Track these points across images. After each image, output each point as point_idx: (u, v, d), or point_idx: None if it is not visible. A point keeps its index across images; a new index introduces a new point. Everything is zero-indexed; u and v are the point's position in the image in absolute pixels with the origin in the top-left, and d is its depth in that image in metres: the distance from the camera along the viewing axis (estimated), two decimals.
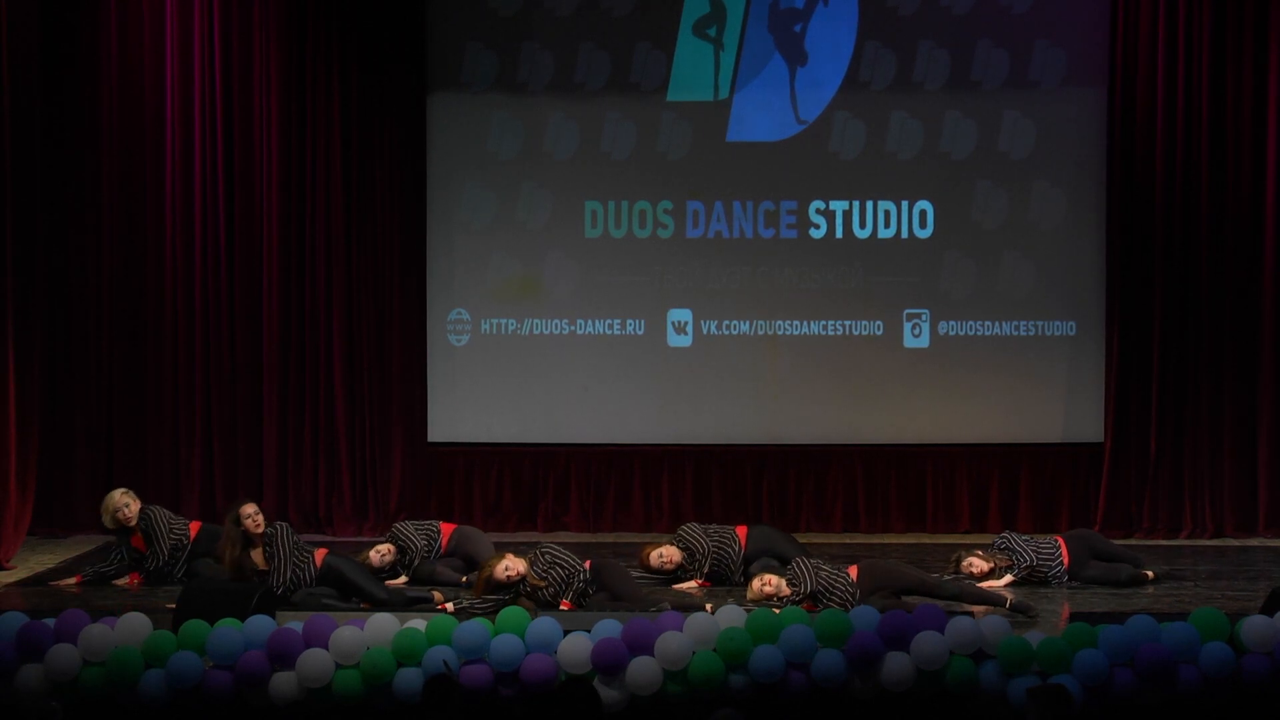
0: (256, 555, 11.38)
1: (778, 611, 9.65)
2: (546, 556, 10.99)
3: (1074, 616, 10.21)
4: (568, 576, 10.88)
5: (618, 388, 14.74)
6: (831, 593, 10.76)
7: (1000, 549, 11.98)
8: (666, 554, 12.05)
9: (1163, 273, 14.28)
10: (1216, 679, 9.18)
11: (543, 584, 10.87)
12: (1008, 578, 11.83)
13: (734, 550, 12.03)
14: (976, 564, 11.86)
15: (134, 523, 12.28)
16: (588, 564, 11.07)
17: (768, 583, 10.96)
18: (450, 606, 10.82)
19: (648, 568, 12.04)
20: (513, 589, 10.80)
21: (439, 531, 12.35)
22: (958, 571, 11.87)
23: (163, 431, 14.45)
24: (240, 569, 11.40)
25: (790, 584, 10.89)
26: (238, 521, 11.42)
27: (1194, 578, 12.30)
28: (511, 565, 10.83)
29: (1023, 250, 14.59)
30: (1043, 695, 7.78)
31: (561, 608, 10.81)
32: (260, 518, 11.53)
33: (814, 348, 14.70)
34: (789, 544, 12.12)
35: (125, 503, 12.31)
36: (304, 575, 11.12)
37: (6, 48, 13.09)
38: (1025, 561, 11.87)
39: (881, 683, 9.24)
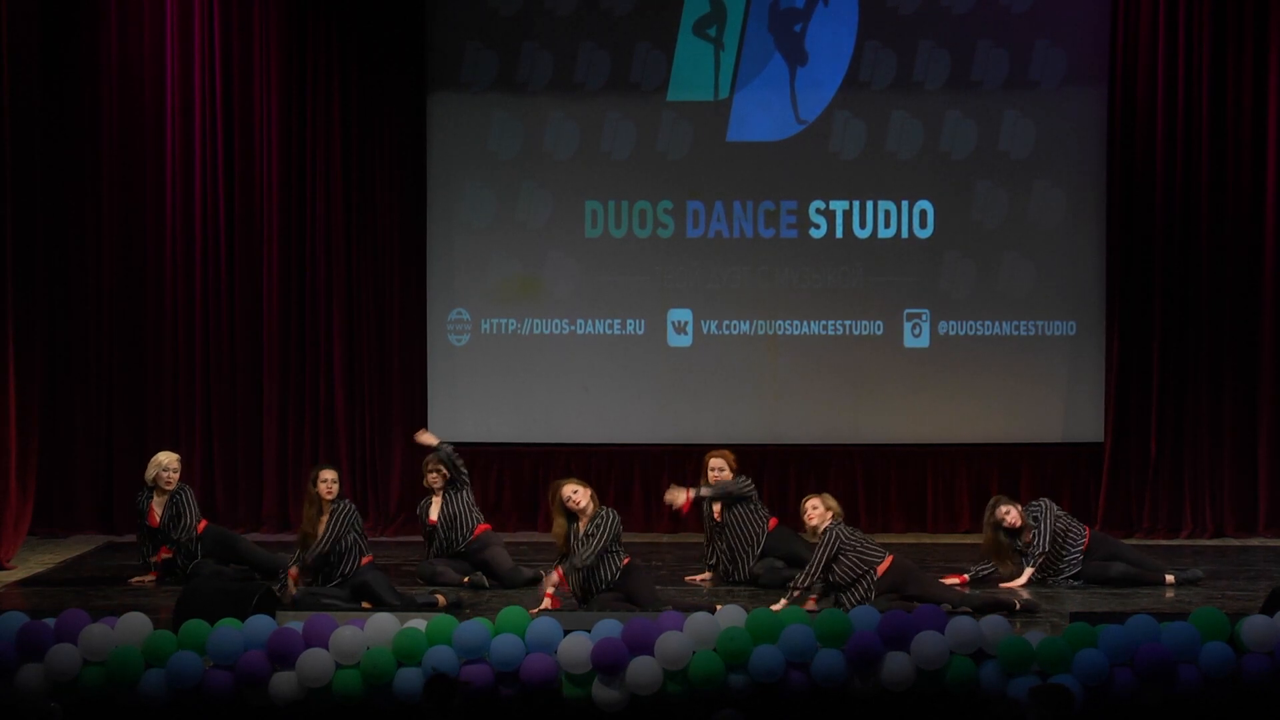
0: (322, 522, 11.31)
1: (777, 609, 9.64)
2: (601, 522, 10.99)
3: (1074, 616, 10.20)
4: (599, 549, 10.95)
5: (618, 388, 14.75)
6: (855, 587, 10.87)
7: (1033, 516, 12.00)
8: (720, 478, 12.18)
9: (1163, 273, 14.28)
10: (1216, 679, 9.17)
11: (579, 539, 10.94)
12: (1027, 570, 11.87)
13: (760, 532, 12.10)
14: (1012, 515, 11.91)
15: (170, 488, 12.28)
16: (625, 560, 11.10)
17: (816, 506, 11.10)
18: (552, 593, 10.93)
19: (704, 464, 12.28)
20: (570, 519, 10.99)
21: (472, 530, 12.36)
22: (993, 515, 11.90)
23: (163, 431, 14.45)
24: (304, 536, 11.31)
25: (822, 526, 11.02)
26: (314, 483, 11.38)
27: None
28: (580, 495, 11.01)
29: (1023, 250, 14.59)
30: (1044, 695, 7.78)
31: (544, 596, 10.92)
32: (335, 486, 11.39)
33: (814, 348, 14.70)
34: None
35: (174, 468, 12.36)
36: (345, 568, 11.20)
37: (6, 48, 13.09)
38: (1041, 549, 11.89)
39: (881, 683, 9.24)
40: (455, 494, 12.42)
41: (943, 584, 11.51)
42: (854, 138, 14.62)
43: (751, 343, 14.73)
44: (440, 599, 11.36)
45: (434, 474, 12.44)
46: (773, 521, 12.29)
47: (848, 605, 10.84)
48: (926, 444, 14.65)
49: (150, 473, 12.37)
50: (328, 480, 11.37)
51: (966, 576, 11.98)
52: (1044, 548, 11.94)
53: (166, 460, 12.40)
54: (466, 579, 12.05)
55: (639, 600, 10.88)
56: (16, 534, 13.32)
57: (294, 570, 11.22)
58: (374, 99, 14.53)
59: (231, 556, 12.42)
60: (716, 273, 14.72)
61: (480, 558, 12.23)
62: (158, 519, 12.30)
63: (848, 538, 11.06)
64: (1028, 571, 11.91)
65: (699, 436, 14.59)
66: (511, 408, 14.76)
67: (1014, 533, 11.97)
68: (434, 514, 12.39)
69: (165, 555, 12.30)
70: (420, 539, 12.80)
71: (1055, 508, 12.14)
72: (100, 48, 14.40)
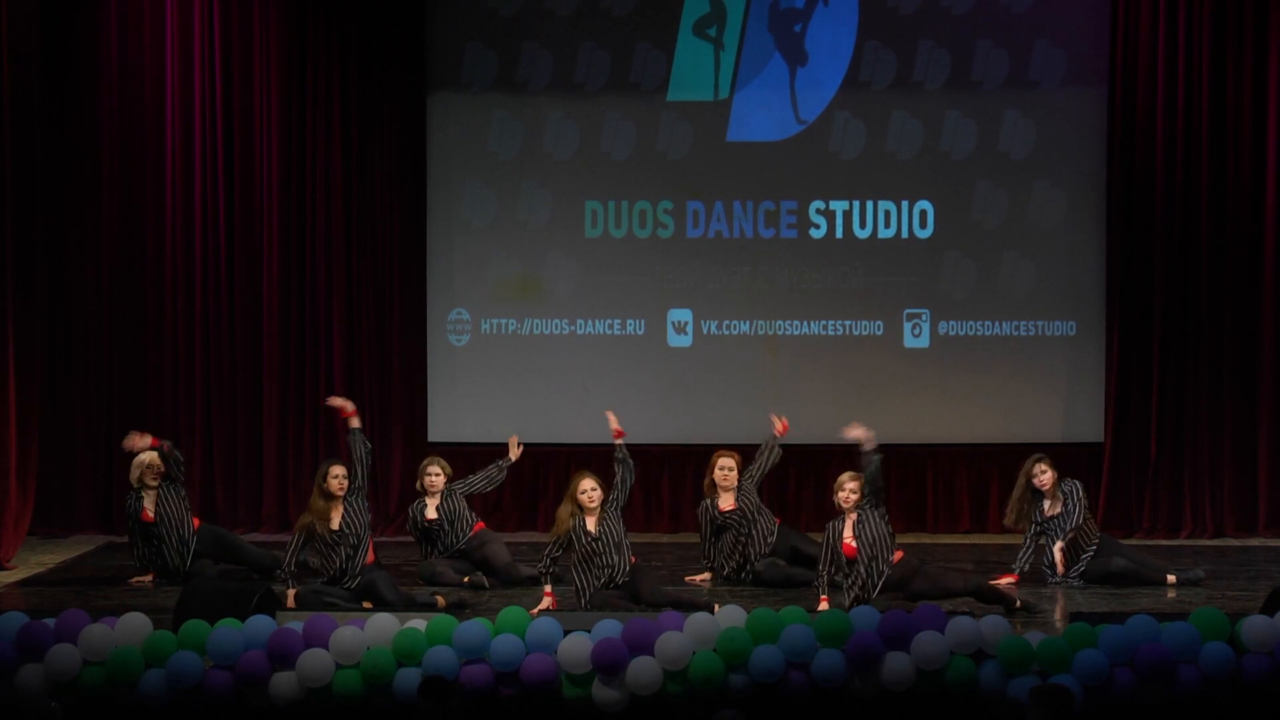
0: (335, 514, 11.33)
1: (776, 612, 9.64)
2: (611, 522, 11.09)
3: (1074, 616, 10.20)
4: (611, 550, 11.03)
5: (618, 388, 14.74)
6: (871, 561, 10.93)
7: (1064, 490, 12.05)
8: (730, 477, 12.21)
9: (1163, 273, 14.29)
10: (1216, 679, 9.18)
11: (594, 532, 11.01)
12: (1059, 544, 11.92)
13: (771, 531, 12.20)
14: (1047, 476, 12.02)
15: (157, 484, 12.30)
16: (633, 559, 11.19)
17: (855, 490, 11.10)
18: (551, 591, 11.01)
19: (712, 468, 12.28)
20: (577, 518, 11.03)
21: (471, 527, 12.42)
22: (1031, 468, 12.00)
23: (163, 432, 14.35)
24: (309, 526, 11.31)
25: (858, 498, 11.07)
26: (324, 479, 11.38)
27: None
28: (597, 494, 11.10)
29: (1023, 250, 14.60)
30: (1044, 695, 7.78)
31: (545, 595, 10.97)
32: (347, 482, 11.38)
33: (814, 348, 14.70)
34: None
35: (157, 465, 12.38)
36: (354, 564, 11.23)
37: (6, 48, 13.09)
38: (1072, 524, 11.93)
39: (881, 683, 9.24)
40: (451, 493, 12.45)
41: (945, 570, 11.48)
42: (854, 138, 14.62)
43: (751, 343, 14.73)
44: (440, 600, 11.36)
45: (432, 476, 12.45)
46: (777, 521, 12.36)
47: (861, 580, 10.88)
48: (926, 444, 14.65)
49: (134, 473, 12.38)
50: (339, 476, 11.38)
51: (1017, 574, 12.01)
52: (1075, 524, 11.96)
53: (147, 459, 12.41)
54: (467, 579, 12.06)
55: (642, 598, 10.91)
56: (16, 534, 13.32)
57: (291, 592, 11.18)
58: (374, 99, 14.53)
59: (227, 555, 12.44)
60: (716, 273, 14.72)
61: (480, 554, 12.25)
62: (152, 515, 12.29)
63: (880, 516, 11.12)
64: (1058, 549, 11.92)
65: (699, 436, 14.60)
66: (511, 408, 14.76)
67: (1039, 495, 12.02)
68: (431, 512, 12.40)
69: (154, 445, 12.30)
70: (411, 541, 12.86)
71: (1085, 498, 12.19)
72: (100, 48, 14.40)
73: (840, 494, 11.17)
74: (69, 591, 11.97)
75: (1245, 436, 14.33)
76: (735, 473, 12.26)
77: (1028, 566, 12.04)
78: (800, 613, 9.55)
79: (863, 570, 10.95)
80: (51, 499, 14.40)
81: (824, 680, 9.22)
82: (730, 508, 12.21)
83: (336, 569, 11.21)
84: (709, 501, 12.29)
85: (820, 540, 11.46)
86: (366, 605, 11.00)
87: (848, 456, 14.49)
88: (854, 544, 11.03)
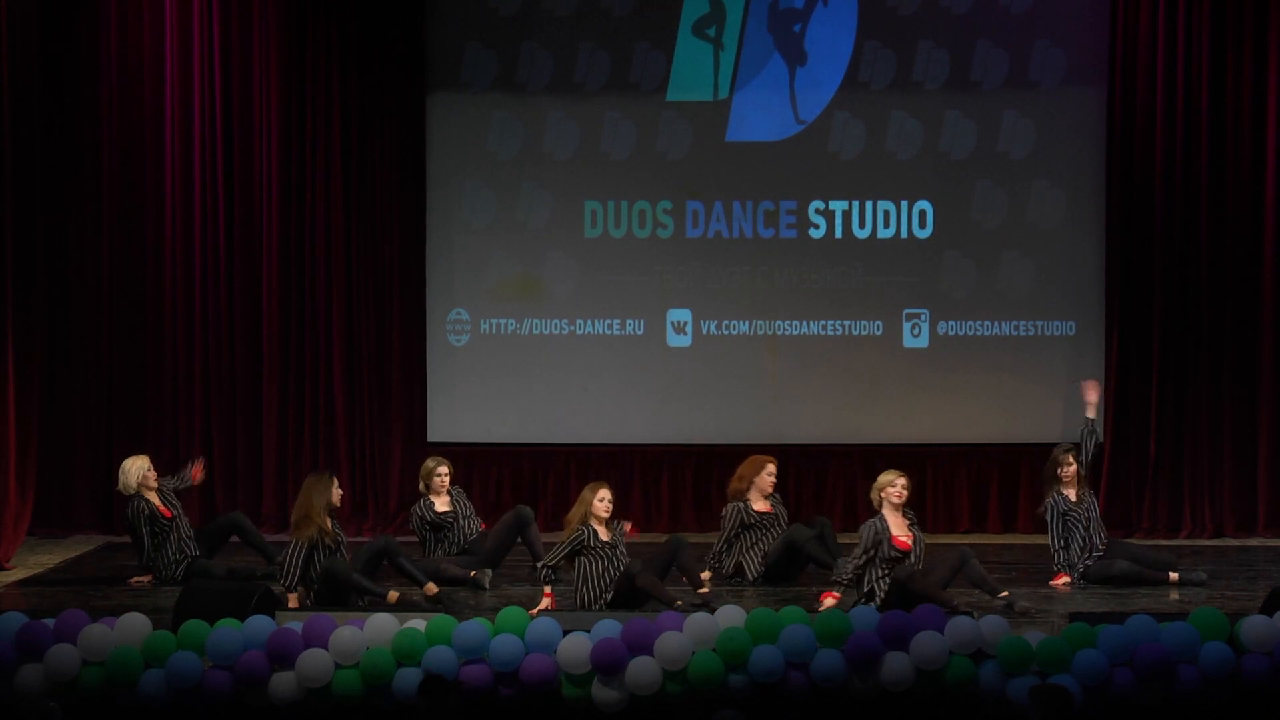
0: (329, 524, 11.37)
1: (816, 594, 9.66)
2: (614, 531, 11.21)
3: (1074, 616, 10.20)
4: (622, 558, 11.10)
5: (618, 388, 14.75)
6: (919, 558, 11.02)
7: (1089, 490, 12.22)
8: (773, 481, 12.32)
9: (1163, 273, 14.29)
10: (1216, 679, 9.18)
11: (606, 539, 11.04)
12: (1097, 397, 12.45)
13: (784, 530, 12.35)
14: (1070, 469, 12.13)
15: (156, 485, 12.32)
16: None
17: (907, 486, 11.21)
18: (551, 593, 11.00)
19: (758, 469, 12.31)
20: (584, 529, 11.01)
21: (478, 524, 12.54)
22: (1056, 456, 12.11)
23: (163, 431, 14.45)
24: (312, 533, 11.33)
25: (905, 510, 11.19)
26: (330, 489, 11.38)
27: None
28: (610, 506, 11.09)
29: (1022, 250, 14.59)
30: (1044, 695, 7.79)
31: (544, 596, 10.95)
32: (339, 491, 11.52)
33: (814, 348, 14.70)
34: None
35: (151, 467, 12.37)
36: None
37: (6, 48, 13.10)
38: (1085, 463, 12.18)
39: (881, 683, 9.25)
40: (459, 493, 12.51)
41: (938, 562, 11.54)
42: (853, 138, 14.61)
43: (751, 343, 14.73)
44: (432, 587, 11.25)
45: (441, 476, 12.46)
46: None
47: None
48: (926, 444, 14.64)
49: (132, 480, 12.29)
50: (338, 487, 11.48)
51: (1069, 574, 12.07)
52: (1086, 460, 12.20)
53: (142, 462, 12.38)
54: (473, 573, 12.04)
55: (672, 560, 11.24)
56: (16, 534, 13.33)
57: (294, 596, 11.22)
58: (374, 99, 14.53)
59: (220, 541, 12.52)
60: (716, 273, 14.72)
61: (489, 543, 12.28)
62: (170, 511, 12.30)
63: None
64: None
65: (699, 436, 14.61)
66: (511, 408, 14.76)
67: (1060, 481, 12.16)
68: (442, 506, 12.41)
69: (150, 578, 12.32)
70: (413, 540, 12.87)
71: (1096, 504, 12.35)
72: (100, 48, 14.40)
73: (891, 490, 11.16)
74: (68, 591, 11.97)
75: (1245, 436, 14.32)
76: (768, 483, 12.33)
77: (1071, 563, 12.07)
78: (800, 613, 9.56)
79: (910, 564, 10.97)
80: (51, 499, 14.40)
81: (824, 680, 9.22)
82: (767, 509, 12.25)
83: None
84: (742, 504, 12.27)
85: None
86: (393, 597, 10.94)
87: (847, 456, 14.62)
88: (909, 541, 11.04)
